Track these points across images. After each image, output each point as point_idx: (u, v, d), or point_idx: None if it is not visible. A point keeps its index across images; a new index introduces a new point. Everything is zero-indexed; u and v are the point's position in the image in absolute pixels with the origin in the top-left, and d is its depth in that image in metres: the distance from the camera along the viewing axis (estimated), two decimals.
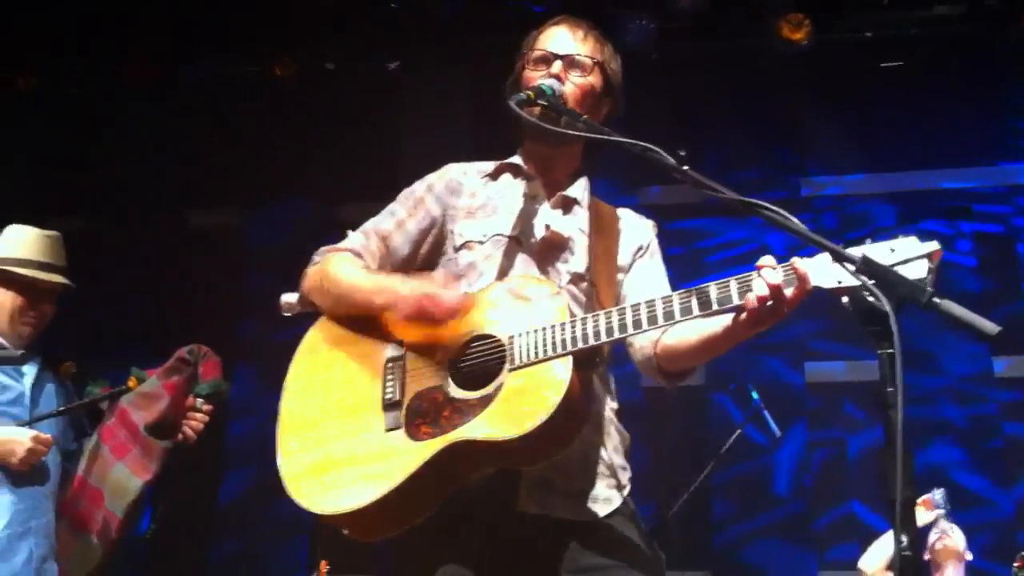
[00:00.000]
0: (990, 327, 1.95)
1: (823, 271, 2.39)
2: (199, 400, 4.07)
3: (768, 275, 2.46)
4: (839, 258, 2.23)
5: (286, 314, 3.11)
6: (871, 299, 2.11)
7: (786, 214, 2.30)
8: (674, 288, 2.84)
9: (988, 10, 7.38)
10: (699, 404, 7.43)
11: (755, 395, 5.87)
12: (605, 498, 2.86)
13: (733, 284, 2.53)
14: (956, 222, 7.59)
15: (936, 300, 2.02)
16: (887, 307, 2.05)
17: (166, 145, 8.17)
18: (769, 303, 2.47)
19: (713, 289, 2.55)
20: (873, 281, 2.13)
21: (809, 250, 2.41)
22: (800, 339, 7.40)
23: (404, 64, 8.03)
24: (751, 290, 2.48)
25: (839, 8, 7.54)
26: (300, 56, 8.07)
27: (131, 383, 4.10)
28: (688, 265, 7.43)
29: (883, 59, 7.72)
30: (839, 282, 2.33)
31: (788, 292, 2.45)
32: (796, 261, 2.44)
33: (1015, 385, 7.32)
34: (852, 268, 2.17)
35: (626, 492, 2.92)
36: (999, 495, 7.01)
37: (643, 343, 2.93)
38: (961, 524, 6.22)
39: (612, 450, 2.93)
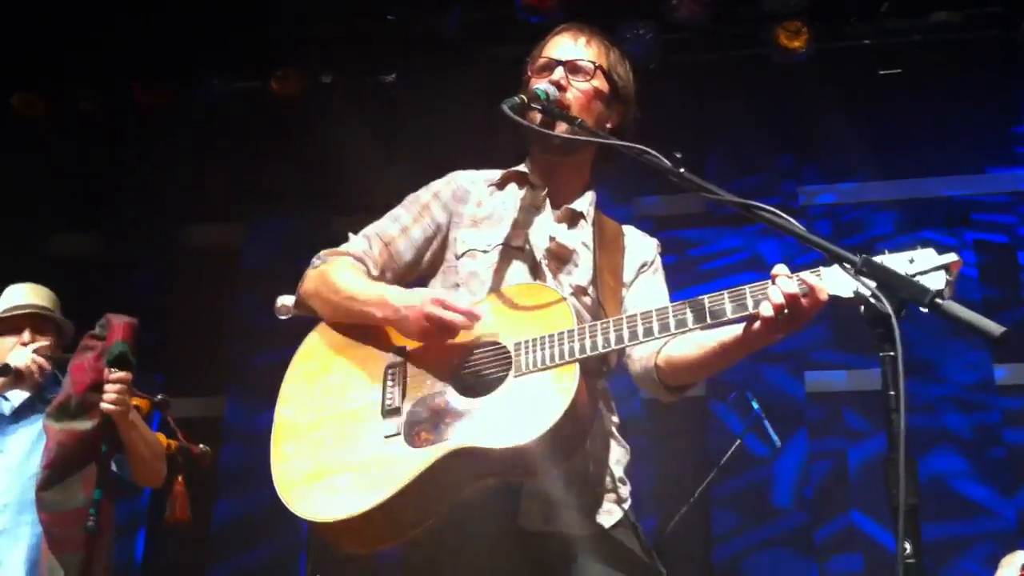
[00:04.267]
0: (994, 328, 1.92)
1: (841, 280, 2.36)
2: (111, 370, 3.93)
3: (784, 284, 2.43)
4: (838, 259, 2.20)
5: (282, 317, 3.07)
6: (873, 301, 2.07)
7: (783, 215, 2.27)
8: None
9: (987, 16, 7.36)
10: (699, 415, 7.37)
11: (755, 405, 5.82)
12: (606, 511, 2.83)
13: (748, 293, 2.50)
14: (957, 230, 7.54)
15: (939, 301, 1.99)
16: (888, 309, 2.02)
17: (161, 162, 8.14)
18: (785, 312, 2.44)
19: (727, 298, 2.52)
20: (875, 283, 2.10)
21: (815, 255, 2.38)
22: (801, 349, 7.35)
23: (401, 77, 7.99)
24: (766, 299, 2.45)
25: (838, 16, 7.51)
26: (297, 70, 8.03)
27: None
28: (682, 273, 7.39)
29: (882, 67, 7.69)
30: (855, 292, 2.28)
31: (804, 302, 2.42)
32: (807, 274, 2.43)
33: (1017, 392, 7.27)
34: (852, 270, 2.14)
35: (627, 506, 2.89)
36: (1001, 504, 6.94)
37: (643, 355, 2.90)
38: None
39: (614, 464, 2.91)
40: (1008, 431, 7.14)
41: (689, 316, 2.54)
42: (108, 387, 3.89)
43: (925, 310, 2.01)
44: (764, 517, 7.18)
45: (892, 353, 2.02)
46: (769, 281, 2.48)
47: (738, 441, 5.87)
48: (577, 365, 2.56)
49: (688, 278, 7.31)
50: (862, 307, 2.18)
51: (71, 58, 7.95)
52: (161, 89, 8.10)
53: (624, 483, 2.92)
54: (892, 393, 2.00)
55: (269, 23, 7.71)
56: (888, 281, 2.07)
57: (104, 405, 3.87)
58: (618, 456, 2.93)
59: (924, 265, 2.27)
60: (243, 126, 8.16)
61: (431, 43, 7.75)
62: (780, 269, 2.47)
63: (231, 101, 8.15)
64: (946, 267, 2.27)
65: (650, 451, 7.00)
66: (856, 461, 7.21)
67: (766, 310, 2.45)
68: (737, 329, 2.60)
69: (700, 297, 2.55)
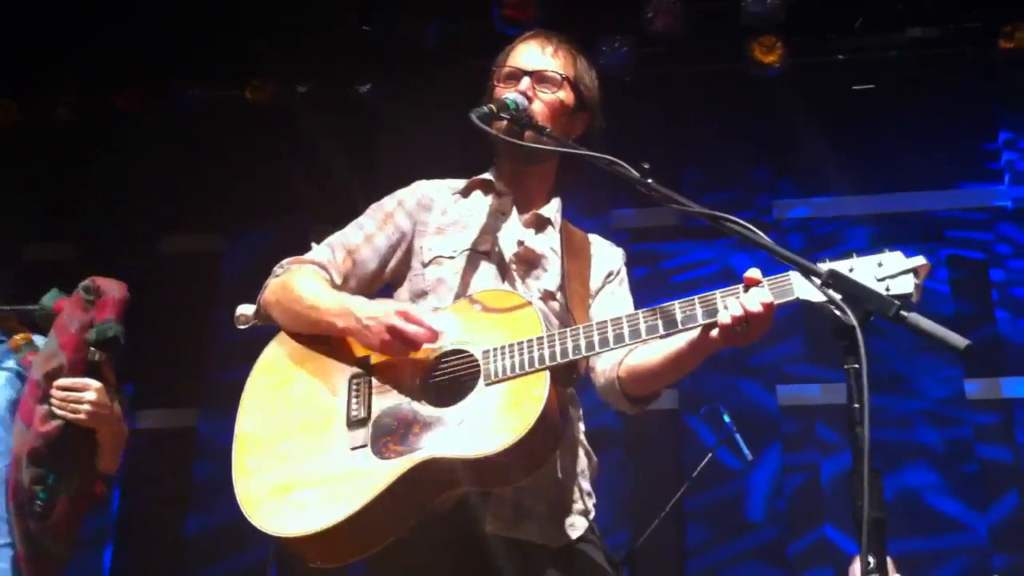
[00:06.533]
0: (958, 340, 1.91)
1: (810, 285, 2.36)
2: (91, 351, 3.47)
3: (746, 300, 2.45)
4: (805, 272, 2.19)
5: (242, 327, 3.01)
6: (838, 313, 2.07)
7: (751, 227, 2.26)
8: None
9: (962, 32, 7.40)
10: (673, 428, 7.36)
11: (727, 418, 5.79)
12: (571, 523, 2.80)
13: (719, 299, 2.51)
14: (930, 245, 7.58)
15: (904, 313, 1.98)
16: (853, 320, 2.01)
17: (139, 171, 8.08)
18: (744, 324, 2.46)
19: (697, 303, 2.52)
20: (841, 295, 2.09)
21: (786, 267, 2.39)
22: (774, 362, 7.36)
23: (375, 87, 7.97)
24: (726, 309, 2.47)
25: (813, 31, 7.54)
26: (272, 80, 8.00)
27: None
28: (653, 286, 7.39)
29: (857, 82, 7.73)
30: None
31: (761, 314, 2.44)
32: (757, 291, 2.45)
33: (989, 407, 7.29)
34: (818, 282, 2.14)
35: (591, 518, 2.87)
36: (974, 519, 6.96)
37: (605, 367, 2.89)
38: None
39: (580, 474, 2.89)
40: (980, 446, 7.17)
41: (659, 322, 2.54)
42: (76, 394, 3.41)
43: (890, 322, 2.00)
44: (737, 530, 7.17)
45: (857, 365, 2.01)
46: (729, 289, 2.51)
47: (709, 455, 5.85)
48: (547, 373, 2.53)
49: (660, 290, 7.31)
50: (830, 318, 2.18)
51: (47, 66, 7.90)
52: (138, 98, 8.05)
53: (590, 496, 2.90)
54: (857, 406, 1.99)
55: (245, 32, 7.66)
56: (854, 293, 2.06)
57: (65, 414, 3.41)
58: (584, 466, 2.91)
59: (892, 269, 2.28)
60: (220, 136, 8.11)
61: (408, 54, 7.73)
62: (753, 273, 2.48)
63: (208, 111, 8.12)
64: (914, 270, 2.28)
65: (623, 463, 6.98)
66: (829, 475, 7.21)
67: (724, 318, 2.46)
68: (693, 335, 2.60)
69: (670, 303, 2.55)
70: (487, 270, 2.90)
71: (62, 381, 3.44)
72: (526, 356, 2.56)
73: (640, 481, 7.01)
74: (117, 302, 3.59)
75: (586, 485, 2.90)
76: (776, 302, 2.45)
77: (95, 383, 3.46)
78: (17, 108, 8.13)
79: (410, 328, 2.60)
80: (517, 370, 2.55)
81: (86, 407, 3.43)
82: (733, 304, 2.46)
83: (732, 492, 7.17)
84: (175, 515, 7.59)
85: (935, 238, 7.65)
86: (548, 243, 3.00)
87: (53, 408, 3.43)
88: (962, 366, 7.10)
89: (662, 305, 2.56)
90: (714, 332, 2.51)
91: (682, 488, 5.81)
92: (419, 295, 2.92)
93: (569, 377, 2.75)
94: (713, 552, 7.16)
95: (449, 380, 2.65)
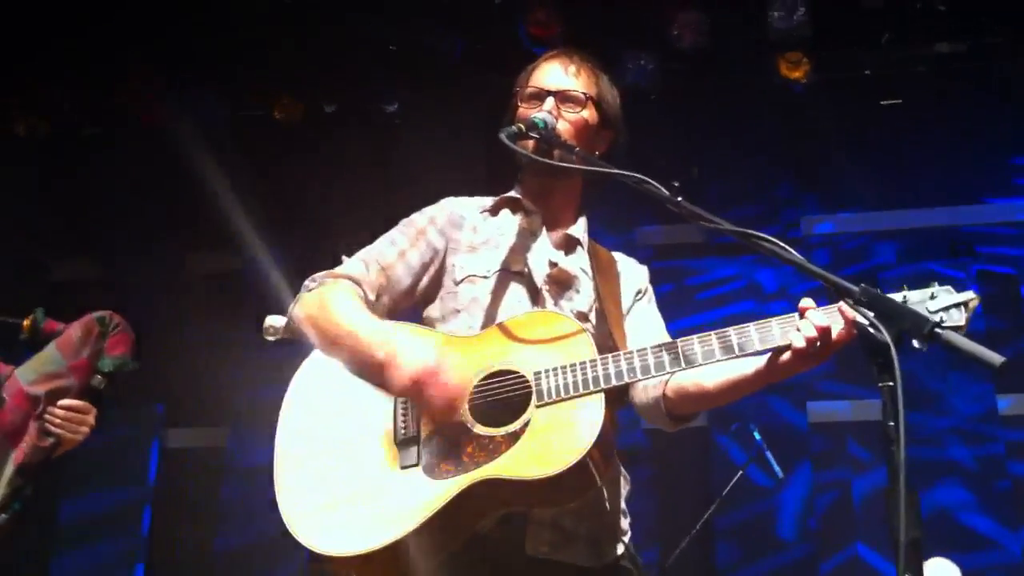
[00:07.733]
0: (994, 358, 1.89)
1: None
2: (97, 378, 3.53)
3: (815, 317, 2.45)
4: (837, 289, 2.18)
5: (270, 338, 3.00)
6: (871, 331, 2.05)
7: (782, 244, 2.25)
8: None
9: (988, 47, 7.36)
10: (702, 446, 7.33)
11: (757, 436, 5.77)
12: (611, 544, 2.79)
13: (775, 326, 2.51)
14: (961, 260, 7.53)
15: (938, 331, 1.96)
16: (887, 338, 1.99)
17: (165, 189, 8.12)
18: (817, 344, 2.45)
19: (753, 331, 2.52)
20: (874, 313, 2.08)
21: (812, 284, 2.38)
22: (804, 379, 7.30)
23: (403, 107, 8.00)
24: (798, 331, 2.47)
25: (840, 46, 7.52)
26: (300, 99, 8.03)
27: (25, 323, 3.64)
28: (677, 302, 7.36)
29: (883, 97, 7.70)
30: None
31: (835, 333, 2.45)
32: (842, 305, 2.44)
33: (1021, 424, 7.22)
34: (851, 300, 2.12)
35: (627, 538, 2.86)
36: (1007, 537, 6.89)
37: (649, 384, 2.85)
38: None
39: (615, 494, 2.87)
40: (1013, 463, 7.10)
41: (716, 348, 2.53)
42: (80, 416, 3.54)
43: (917, 342, 2.01)
44: (768, 549, 7.13)
45: (891, 383, 1.99)
46: (795, 315, 2.50)
47: (740, 473, 5.82)
48: (603, 394, 2.53)
49: (685, 306, 7.29)
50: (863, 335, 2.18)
51: (76, 85, 7.95)
52: (164, 115, 8.09)
53: (625, 515, 2.89)
54: (892, 424, 1.97)
55: (272, 51, 7.70)
56: (887, 311, 2.05)
57: (63, 433, 3.50)
58: (620, 487, 2.90)
59: (945, 302, 2.37)
60: (247, 153, 8.13)
61: (435, 73, 7.75)
62: (807, 302, 2.48)
63: (235, 127, 8.15)
64: (965, 304, 2.36)
65: (653, 482, 6.96)
66: (861, 493, 7.16)
67: (798, 342, 2.46)
68: (759, 360, 2.59)
69: (726, 329, 2.55)
70: (519, 291, 2.89)
71: (69, 402, 3.53)
72: (579, 377, 2.56)
73: (669, 499, 6.99)
74: (132, 340, 3.66)
75: (622, 504, 2.89)
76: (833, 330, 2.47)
77: (93, 409, 3.58)
78: (46, 125, 8.18)
79: (443, 380, 2.48)
80: (571, 391, 2.55)
81: (85, 430, 3.56)
82: (806, 326, 2.46)
83: (762, 510, 7.12)
84: (205, 534, 7.59)
85: (964, 253, 7.59)
86: (579, 264, 3.01)
87: (48, 425, 3.51)
88: (993, 383, 7.04)
89: (718, 331, 2.56)
90: (785, 356, 2.51)
91: (712, 506, 5.78)
92: (451, 313, 2.90)
93: (621, 399, 2.76)
94: (744, 571, 7.12)
95: (499, 400, 2.63)
